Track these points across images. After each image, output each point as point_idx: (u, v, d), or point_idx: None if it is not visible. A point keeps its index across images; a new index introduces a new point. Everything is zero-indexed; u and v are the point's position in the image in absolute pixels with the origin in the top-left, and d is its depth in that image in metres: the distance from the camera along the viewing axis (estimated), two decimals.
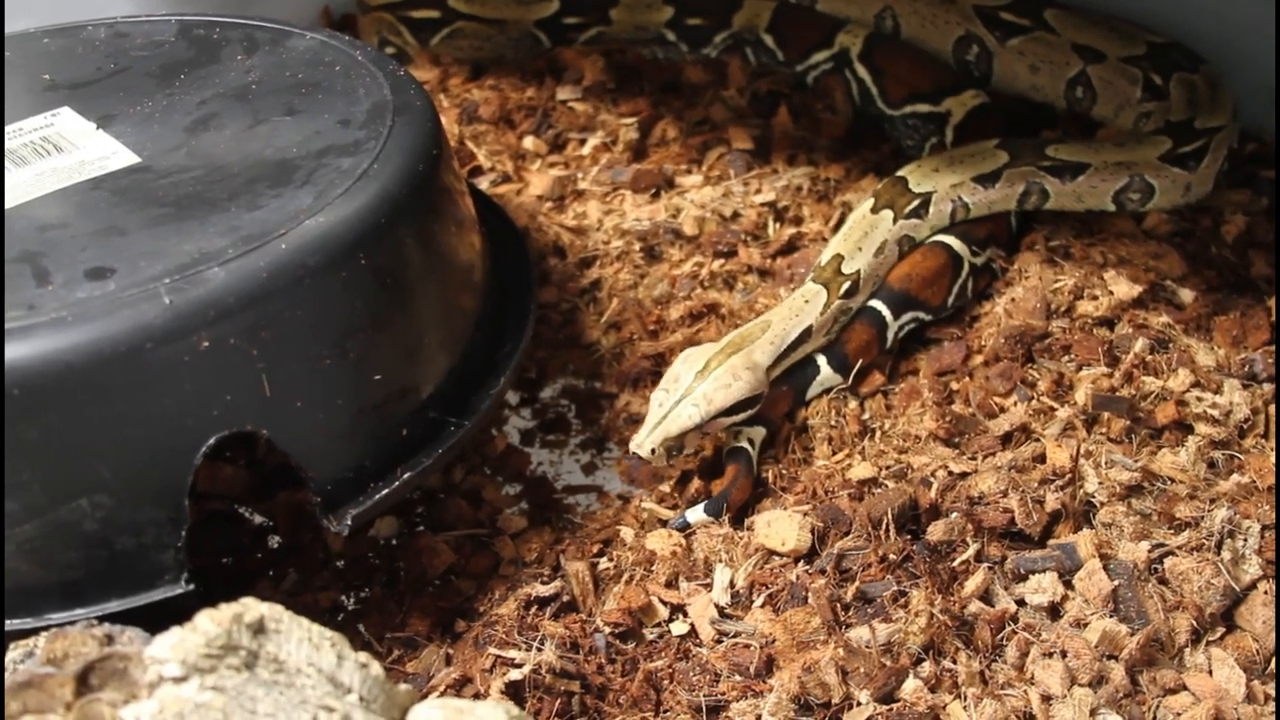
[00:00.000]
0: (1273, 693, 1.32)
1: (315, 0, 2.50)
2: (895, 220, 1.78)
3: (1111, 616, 1.35)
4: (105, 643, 1.05)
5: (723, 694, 1.33)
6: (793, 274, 1.88)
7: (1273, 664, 1.34)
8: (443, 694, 1.35)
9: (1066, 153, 1.83)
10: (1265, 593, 1.37)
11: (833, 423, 1.65)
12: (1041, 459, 1.52)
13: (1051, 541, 1.43)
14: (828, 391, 1.69)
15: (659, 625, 1.43)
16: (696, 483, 1.60)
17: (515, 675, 1.32)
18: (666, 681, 1.37)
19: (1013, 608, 1.37)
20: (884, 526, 1.43)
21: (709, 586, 1.45)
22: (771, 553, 1.46)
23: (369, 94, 1.60)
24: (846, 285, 1.71)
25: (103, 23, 1.82)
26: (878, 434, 1.64)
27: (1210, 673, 1.33)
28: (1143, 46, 2.01)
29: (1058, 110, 2.13)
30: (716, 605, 1.43)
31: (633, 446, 1.54)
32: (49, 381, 1.22)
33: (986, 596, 1.39)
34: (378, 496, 1.38)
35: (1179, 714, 1.29)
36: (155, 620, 1.07)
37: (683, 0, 2.28)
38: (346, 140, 1.51)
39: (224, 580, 1.54)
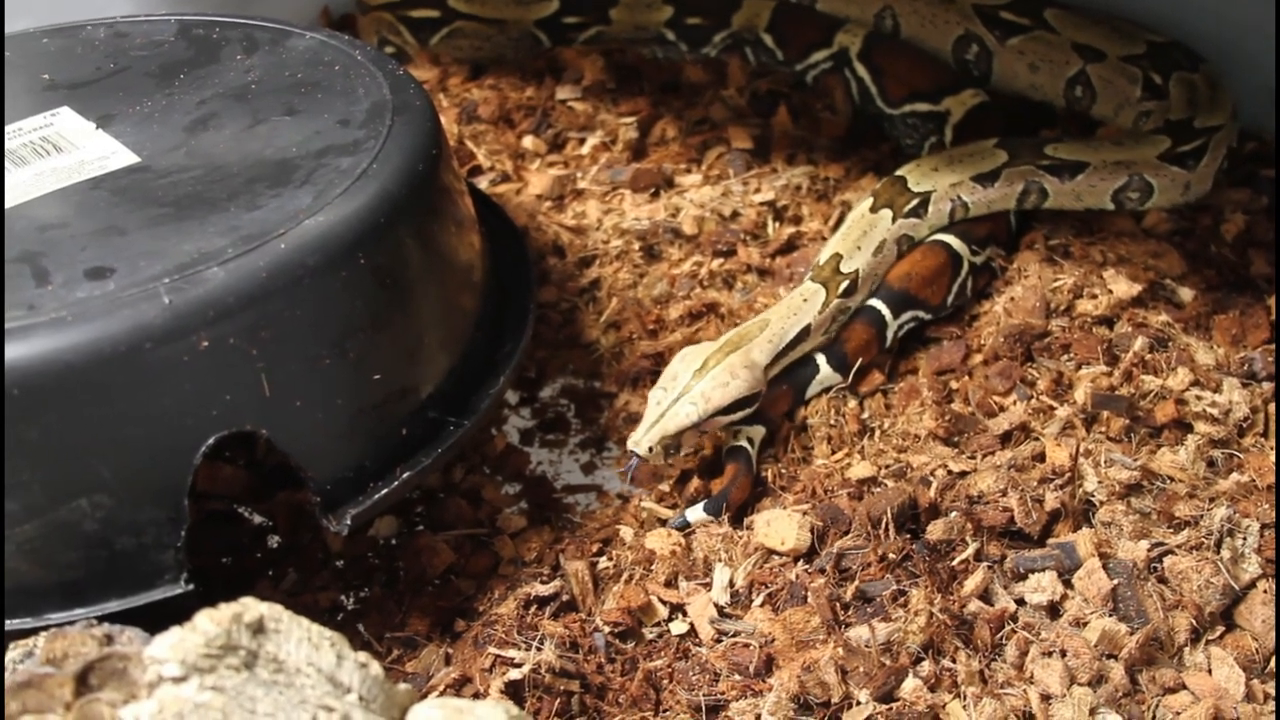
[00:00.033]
0: (1272, 692, 1.32)
1: (315, 0, 2.50)
2: (894, 219, 1.78)
3: (1111, 615, 1.35)
4: (105, 643, 1.05)
5: (722, 693, 1.33)
6: (792, 273, 1.88)
7: (1272, 663, 1.34)
8: (442, 693, 1.35)
9: (1065, 152, 1.83)
10: (1265, 591, 1.37)
11: (832, 422, 1.65)
12: (1041, 458, 1.52)
13: (1051, 540, 1.43)
14: (827, 390, 1.69)
15: (658, 625, 1.43)
16: (696, 482, 1.60)
17: (515, 675, 1.32)
18: (666, 681, 1.37)
19: (1012, 607, 1.37)
20: (883, 526, 1.43)
21: (708, 586, 1.45)
22: (771, 552, 1.46)
23: (368, 94, 1.60)
24: (845, 284, 1.71)
25: (102, 23, 1.82)
26: (877, 433, 1.64)
27: (1210, 672, 1.33)
28: (1143, 46, 2.01)
29: (1057, 109, 2.13)
30: (716, 604, 1.43)
31: (630, 444, 1.54)
32: (49, 381, 1.22)
33: (986, 595, 1.39)
34: (377, 496, 1.38)
35: (1178, 713, 1.29)
36: (155, 620, 1.07)
37: (682, 0, 2.28)
38: (346, 140, 1.51)
39: (224, 580, 1.55)
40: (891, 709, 1.29)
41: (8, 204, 1.44)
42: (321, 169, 1.46)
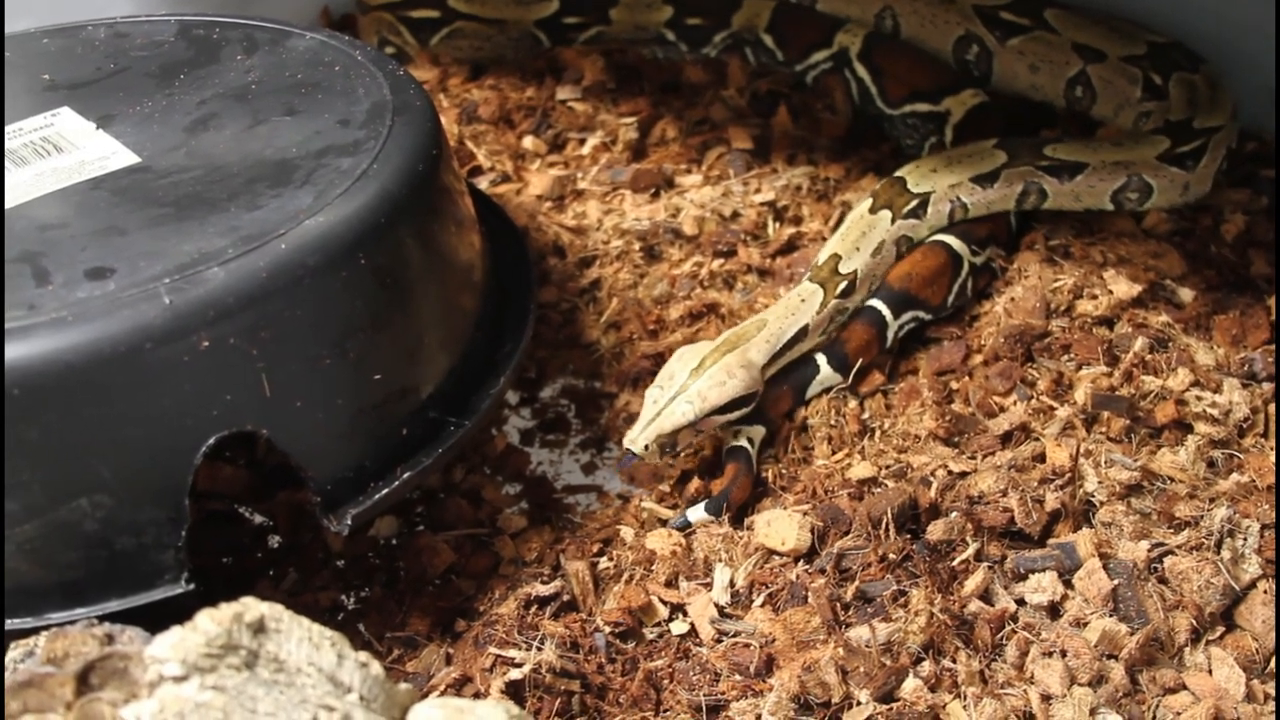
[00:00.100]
0: (1272, 692, 1.32)
1: (315, 0, 2.50)
2: (893, 220, 1.78)
3: (1111, 616, 1.35)
4: (105, 642, 1.05)
5: (722, 693, 1.33)
6: (792, 273, 1.88)
7: (1272, 663, 1.34)
8: (443, 693, 1.35)
9: (1065, 152, 1.83)
10: (1265, 592, 1.37)
11: (832, 422, 1.65)
12: (1041, 458, 1.52)
13: (1051, 541, 1.43)
14: (827, 391, 1.69)
15: (659, 625, 1.43)
16: (696, 482, 1.60)
17: (515, 675, 1.32)
18: (666, 681, 1.37)
19: (1012, 607, 1.37)
20: (884, 526, 1.43)
21: (709, 586, 1.45)
22: (771, 552, 1.46)
23: (369, 94, 1.61)
24: (843, 285, 1.71)
25: (102, 23, 1.82)
26: (877, 433, 1.64)
27: (1210, 672, 1.33)
28: (1143, 46, 2.01)
29: (1057, 110, 2.13)
30: (716, 605, 1.43)
31: (626, 442, 1.54)
32: (49, 381, 1.22)
33: (986, 596, 1.39)
34: (378, 496, 1.39)
35: (1179, 713, 1.30)
36: (155, 620, 1.07)
37: (682, 0, 2.28)
38: (346, 140, 1.51)
39: (224, 580, 1.55)
40: (892, 709, 1.29)
41: (8, 204, 1.44)
42: (322, 169, 1.46)
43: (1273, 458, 1.51)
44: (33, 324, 1.23)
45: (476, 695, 1.34)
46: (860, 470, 1.55)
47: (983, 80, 2.15)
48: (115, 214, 1.41)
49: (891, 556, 1.41)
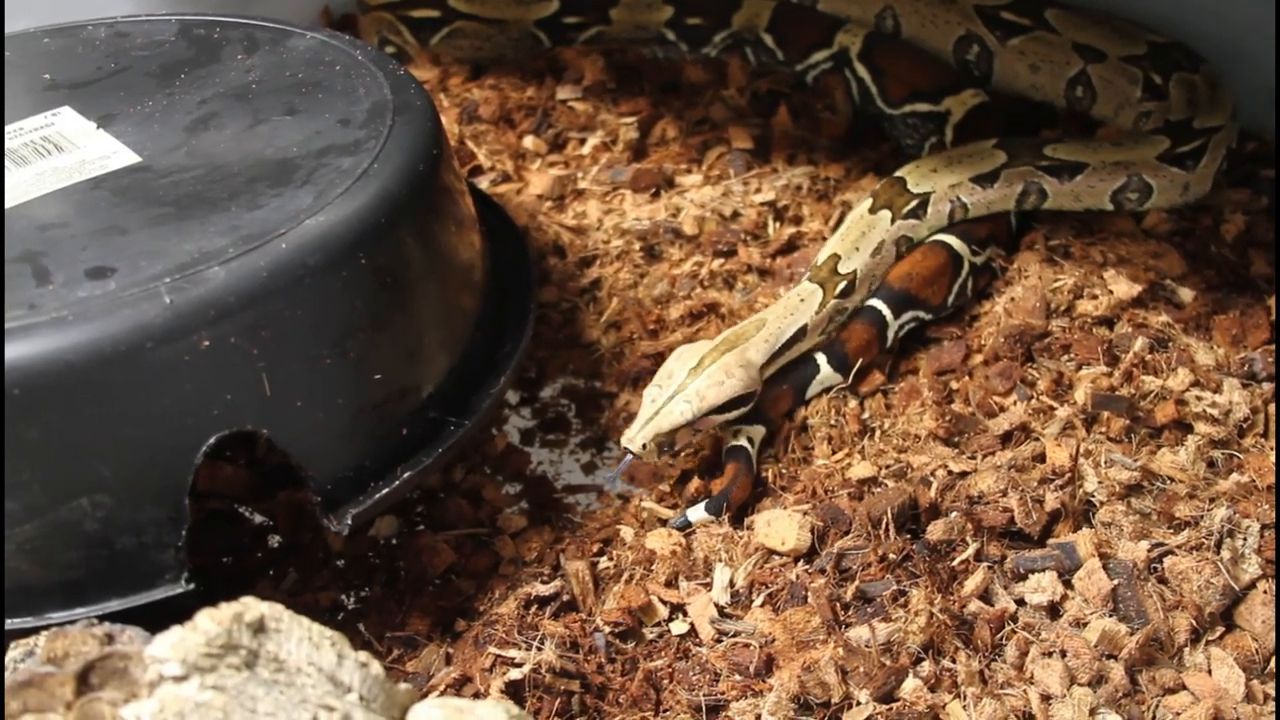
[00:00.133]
0: (1272, 692, 1.32)
1: (315, 0, 2.50)
2: (893, 220, 1.78)
3: (1111, 616, 1.35)
4: (105, 642, 1.05)
5: (722, 693, 1.33)
6: (792, 273, 1.88)
7: (1272, 663, 1.34)
8: (443, 693, 1.35)
9: (1064, 152, 1.83)
10: (1265, 592, 1.38)
11: (832, 422, 1.65)
12: (1041, 458, 1.52)
13: (1051, 541, 1.43)
14: (828, 391, 1.69)
15: (659, 625, 1.43)
16: (696, 482, 1.60)
17: (515, 674, 1.32)
18: (666, 681, 1.37)
19: (1012, 607, 1.37)
20: (884, 526, 1.43)
21: (709, 586, 1.45)
22: (771, 552, 1.46)
23: (369, 93, 1.61)
24: (842, 285, 1.71)
25: (103, 22, 1.82)
26: (877, 433, 1.64)
27: (1209, 672, 1.33)
28: (1143, 46, 2.01)
29: (1057, 109, 2.13)
30: (716, 604, 1.43)
31: (624, 441, 1.54)
32: (49, 381, 1.22)
33: (986, 596, 1.39)
34: (378, 496, 1.39)
35: (1178, 713, 1.30)
36: (155, 619, 1.07)
37: (682, 0, 2.28)
38: (347, 140, 1.51)
39: (224, 580, 1.55)
40: (891, 709, 1.29)
41: (9, 203, 1.44)
42: (322, 169, 1.46)
43: (1273, 458, 1.51)
44: (33, 323, 1.23)
45: (476, 695, 1.34)
46: (860, 470, 1.55)
47: (983, 80, 2.16)
48: (116, 213, 1.41)
49: (891, 556, 1.41)
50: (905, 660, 1.32)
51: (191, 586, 1.30)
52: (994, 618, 1.36)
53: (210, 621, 1.00)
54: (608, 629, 1.41)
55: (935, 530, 1.43)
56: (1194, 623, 1.35)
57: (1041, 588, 1.38)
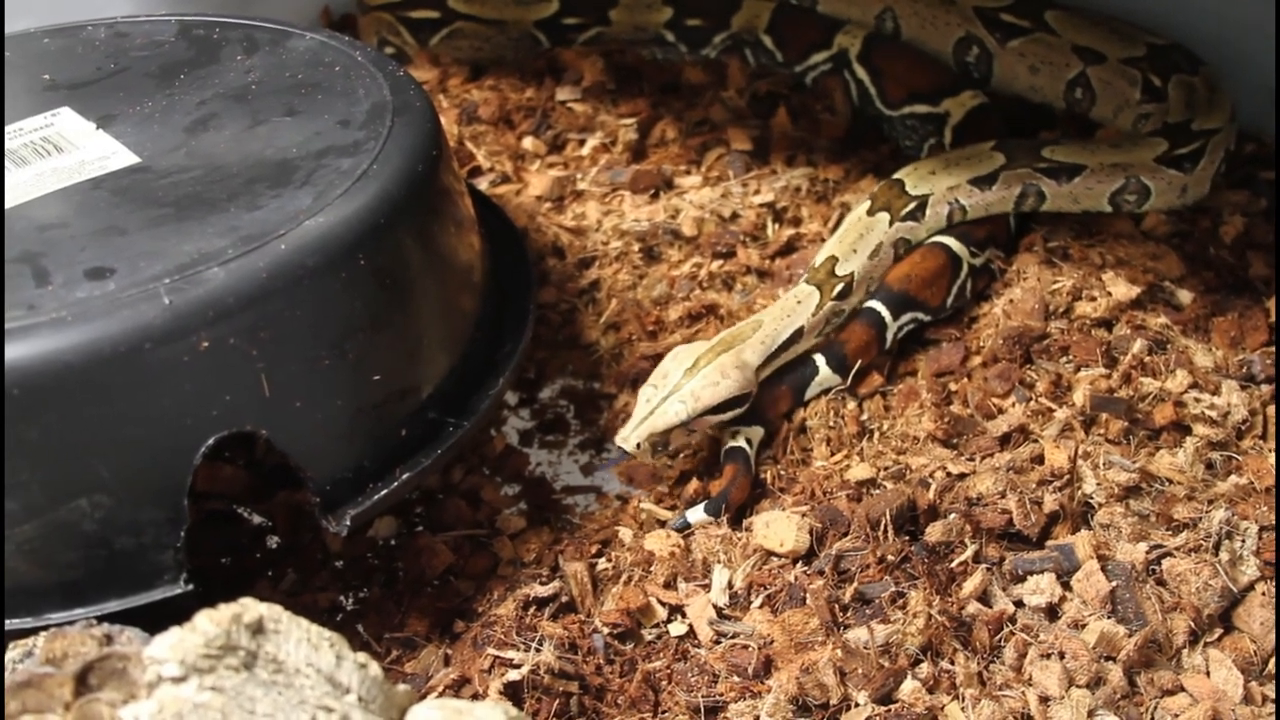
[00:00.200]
0: (1270, 694, 1.32)
1: (315, 0, 2.50)
2: (891, 223, 1.78)
3: (1109, 618, 1.35)
4: (104, 643, 1.05)
5: (721, 695, 1.34)
6: (791, 275, 1.88)
7: (1271, 665, 1.35)
8: (441, 694, 1.35)
9: (1063, 154, 1.83)
10: (1263, 594, 1.38)
11: (831, 423, 1.65)
12: (1040, 460, 1.52)
13: (1049, 542, 1.44)
14: (826, 392, 1.69)
15: (657, 626, 1.44)
16: (695, 483, 1.60)
17: (514, 676, 1.32)
18: (665, 682, 1.37)
19: (1011, 609, 1.38)
20: (882, 527, 1.43)
21: (707, 587, 1.45)
22: (770, 553, 1.46)
23: (368, 94, 1.61)
24: (840, 287, 1.71)
25: (103, 23, 1.82)
26: (876, 435, 1.64)
27: (1208, 674, 1.33)
28: (1143, 48, 2.01)
29: (1057, 111, 2.13)
30: (715, 606, 1.43)
31: (618, 440, 1.55)
32: (49, 381, 1.22)
33: (984, 597, 1.39)
34: (377, 497, 1.39)
35: (1176, 715, 1.30)
36: (154, 620, 1.07)
37: (682, 1, 2.28)
38: (346, 141, 1.51)
39: (223, 580, 1.55)
40: (890, 711, 1.29)
41: (8, 204, 1.44)
42: (321, 170, 1.46)
43: (1271, 460, 1.51)
44: (33, 324, 1.23)
45: (475, 696, 1.34)
46: (859, 471, 1.55)
47: (983, 82, 2.16)
48: (115, 214, 1.41)
49: (890, 558, 1.41)
50: (904, 662, 1.33)
51: (190, 587, 1.30)
52: (992, 619, 1.36)
53: (209, 622, 1.01)
54: (606, 630, 1.41)
55: (934, 532, 1.43)
56: (1192, 624, 1.35)
57: (1040, 589, 1.38)
